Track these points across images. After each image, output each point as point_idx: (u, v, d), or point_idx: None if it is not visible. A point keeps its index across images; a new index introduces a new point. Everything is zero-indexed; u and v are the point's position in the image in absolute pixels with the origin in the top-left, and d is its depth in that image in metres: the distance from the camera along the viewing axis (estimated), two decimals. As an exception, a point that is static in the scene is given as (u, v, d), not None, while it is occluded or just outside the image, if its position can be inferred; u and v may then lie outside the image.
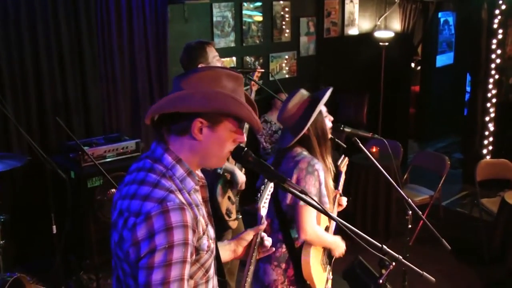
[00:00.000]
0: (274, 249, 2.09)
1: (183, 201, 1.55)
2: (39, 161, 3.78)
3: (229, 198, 3.54)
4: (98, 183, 4.46)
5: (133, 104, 5.31)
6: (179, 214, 1.49)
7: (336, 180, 2.91)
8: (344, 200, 3.01)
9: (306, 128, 2.60)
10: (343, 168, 3.05)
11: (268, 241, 2.03)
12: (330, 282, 2.84)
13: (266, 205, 2.11)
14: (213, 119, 1.60)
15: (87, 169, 4.37)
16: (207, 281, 1.71)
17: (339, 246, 2.78)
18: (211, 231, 1.69)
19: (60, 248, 3.94)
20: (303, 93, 2.71)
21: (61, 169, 3.80)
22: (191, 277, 1.62)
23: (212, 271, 1.73)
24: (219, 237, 3.46)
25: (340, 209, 3.00)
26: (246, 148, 1.73)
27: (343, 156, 3.04)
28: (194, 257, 1.57)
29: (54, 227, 3.92)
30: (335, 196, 2.90)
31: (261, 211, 2.07)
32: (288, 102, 2.66)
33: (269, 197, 2.12)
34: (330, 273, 2.85)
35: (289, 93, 2.75)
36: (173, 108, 1.60)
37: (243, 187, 3.57)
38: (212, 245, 1.67)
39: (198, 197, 1.70)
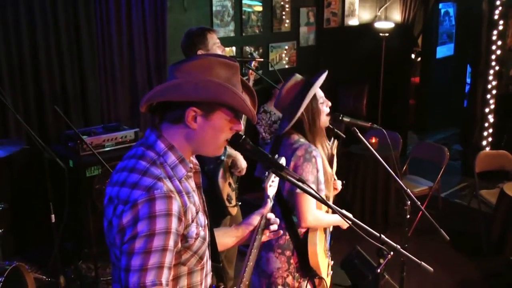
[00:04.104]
0: (281, 232, 2.07)
1: (172, 189, 1.55)
2: (38, 150, 3.78)
3: (229, 184, 3.54)
4: (96, 172, 4.47)
5: (131, 93, 5.30)
6: (164, 203, 1.49)
7: (330, 164, 2.89)
8: (338, 184, 3.00)
9: (300, 112, 2.58)
10: (334, 151, 3.02)
11: (274, 223, 2.01)
12: (330, 267, 2.85)
13: (275, 184, 2.06)
14: (206, 108, 1.59)
15: (86, 158, 4.37)
16: (202, 268, 1.71)
17: (343, 222, 2.76)
18: (201, 219, 1.69)
19: (59, 237, 3.94)
20: (297, 77, 2.68)
21: (59, 158, 3.80)
22: (183, 263, 1.63)
23: (206, 257, 1.73)
24: (217, 223, 3.47)
25: (335, 192, 2.99)
26: (244, 136, 1.72)
27: (332, 138, 3.00)
28: (180, 245, 1.58)
29: (53, 216, 3.92)
30: (330, 178, 2.88)
31: (268, 190, 2.02)
32: (282, 89, 2.65)
33: (277, 178, 2.06)
34: (330, 258, 2.86)
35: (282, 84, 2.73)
36: (165, 97, 1.60)
37: (243, 172, 3.57)
38: (202, 233, 1.67)
39: (190, 184, 1.69)
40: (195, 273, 1.69)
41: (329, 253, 2.86)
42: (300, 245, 2.66)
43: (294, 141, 2.64)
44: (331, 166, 2.91)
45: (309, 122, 2.64)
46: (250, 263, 1.94)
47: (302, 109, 2.58)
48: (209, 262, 1.80)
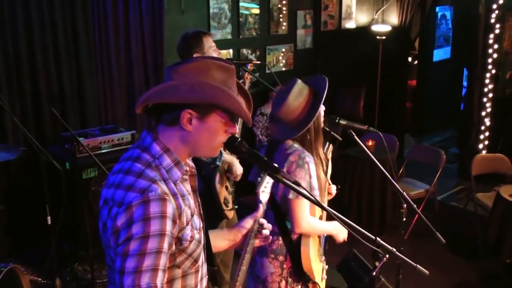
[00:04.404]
0: (271, 238, 2.07)
1: (166, 191, 1.54)
2: (34, 152, 3.77)
3: (226, 188, 3.54)
4: (93, 174, 4.46)
5: (129, 95, 5.29)
6: (159, 205, 1.49)
7: (324, 168, 2.89)
8: (333, 189, 3.00)
9: (311, 123, 2.57)
10: (329, 155, 3.03)
11: (267, 228, 2.01)
12: (325, 271, 2.85)
13: (267, 189, 2.06)
14: (202, 110, 1.59)
15: (82, 160, 4.36)
16: (197, 271, 1.71)
17: (339, 230, 2.76)
18: (196, 221, 1.69)
19: (55, 239, 3.93)
20: (302, 87, 2.63)
21: (56, 160, 3.79)
22: (178, 266, 1.63)
23: (201, 260, 1.73)
24: (214, 226, 3.47)
25: (330, 197, 2.99)
26: (239, 139, 1.72)
27: (327, 143, 3.00)
28: (174, 247, 1.58)
29: (49, 218, 3.91)
30: (325, 184, 2.88)
31: (260, 196, 2.03)
32: (288, 96, 2.59)
33: (270, 181, 2.06)
34: (325, 262, 2.86)
35: (283, 88, 2.69)
36: (161, 98, 1.60)
37: (239, 178, 3.57)
38: (197, 235, 1.67)
39: (186, 187, 1.69)
40: (189, 276, 1.69)
41: (324, 258, 2.85)
42: (293, 250, 2.65)
43: (288, 146, 2.64)
44: (326, 171, 2.91)
45: (314, 128, 2.65)
46: (243, 267, 1.94)
47: (313, 121, 2.58)
48: (205, 265, 1.80)
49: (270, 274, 2.68)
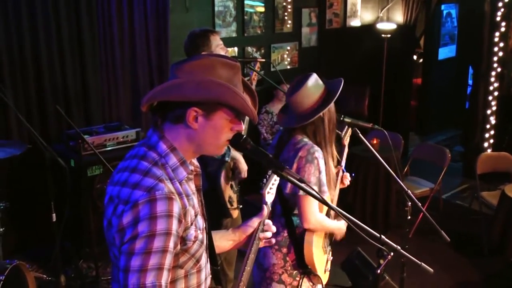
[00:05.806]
0: (274, 240, 2.07)
1: (173, 190, 1.54)
2: (39, 149, 3.78)
3: (231, 186, 3.55)
4: (98, 171, 4.47)
5: (133, 93, 5.30)
6: (165, 204, 1.49)
7: (339, 155, 2.89)
8: (347, 178, 3.00)
9: (318, 115, 2.59)
10: (346, 141, 3.02)
11: (270, 230, 2.01)
12: (329, 263, 2.85)
13: (272, 191, 2.06)
14: (208, 108, 1.58)
15: (87, 158, 4.38)
16: (199, 271, 1.71)
17: (342, 230, 2.78)
18: (200, 222, 1.68)
19: (59, 236, 3.94)
20: (318, 79, 2.68)
21: (61, 158, 3.79)
22: (181, 266, 1.63)
23: (203, 260, 1.73)
24: (218, 225, 3.48)
25: (342, 187, 2.99)
26: (245, 136, 1.72)
27: (346, 127, 2.99)
28: (179, 247, 1.57)
29: (54, 215, 3.92)
30: (338, 172, 2.89)
31: (266, 197, 2.02)
32: (306, 83, 2.61)
33: (276, 183, 2.06)
34: (330, 253, 2.86)
35: (300, 78, 2.69)
36: (166, 96, 1.59)
37: (245, 175, 3.57)
38: (201, 236, 1.67)
39: (190, 186, 1.69)
40: (192, 276, 1.68)
41: (329, 248, 2.85)
42: (298, 243, 2.66)
43: (298, 141, 2.64)
44: (342, 157, 2.91)
45: (329, 121, 2.67)
46: (247, 267, 1.93)
47: (321, 113, 2.60)
48: (208, 265, 1.80)
49: (272, 265, 2.70)
